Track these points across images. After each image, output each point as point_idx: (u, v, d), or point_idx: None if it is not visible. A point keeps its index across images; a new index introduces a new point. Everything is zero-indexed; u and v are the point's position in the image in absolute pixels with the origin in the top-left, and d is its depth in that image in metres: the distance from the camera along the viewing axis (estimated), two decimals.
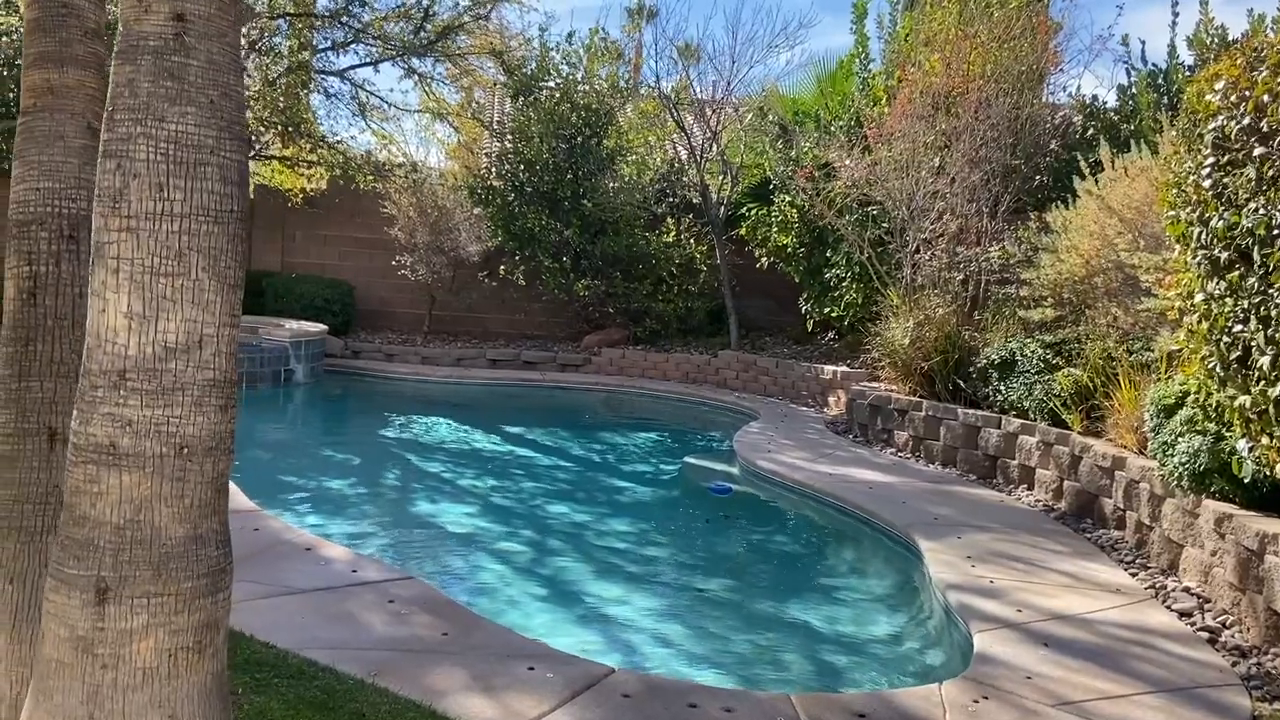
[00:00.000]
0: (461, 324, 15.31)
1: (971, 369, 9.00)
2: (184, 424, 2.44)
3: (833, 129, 12.48)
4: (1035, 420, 7.95)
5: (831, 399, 12.20)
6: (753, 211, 13.86)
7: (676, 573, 6.50)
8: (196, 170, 2.41)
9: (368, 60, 15.11)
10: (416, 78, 15.24)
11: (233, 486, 6.52)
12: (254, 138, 14.34)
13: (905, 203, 10.46)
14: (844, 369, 12.19)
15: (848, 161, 11.23)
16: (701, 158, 14.41)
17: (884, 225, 11.04)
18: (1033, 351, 8.22)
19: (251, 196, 16.05)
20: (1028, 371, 8.15)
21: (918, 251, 10.40)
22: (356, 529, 6.77)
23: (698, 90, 14.88)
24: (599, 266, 14.41)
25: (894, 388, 10.20)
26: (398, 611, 4.58)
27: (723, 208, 14.47)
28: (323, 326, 12.93)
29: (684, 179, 15.04)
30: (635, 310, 14.75)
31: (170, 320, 2.41)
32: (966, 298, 10.12)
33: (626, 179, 14.72)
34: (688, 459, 9.83)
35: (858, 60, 13.26)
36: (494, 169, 14.43)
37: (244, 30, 13.44)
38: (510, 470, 9.03)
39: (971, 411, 8.72)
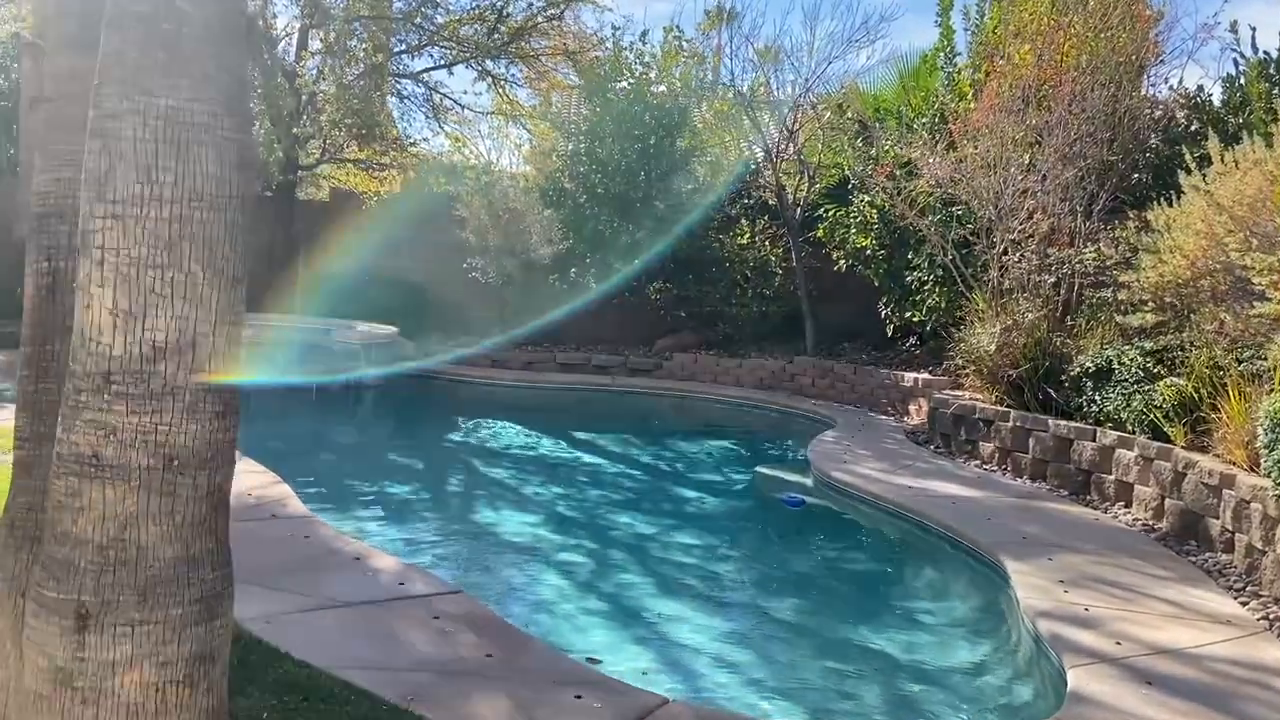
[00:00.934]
0: (532, 327, 15.11)
1: (1063, 377, 8.44)
2: (174, 432, 2.20)
3: (915, 126, 11.96)
4: (1134, 433, 7.38)
5: (912, 407, 11.67)
6: (830, 212, 13.39)
7: (744, 591, 6.15)
8: (189, 150, 2.17)
9: (442, 63, 15.09)
10: (490, 79, 15.16)
11: (288, 491, 6.40)
12: (327, 140, 14.43)
13: (992, 202, 9.91)
14: (925, 376, 11.65)
15: (931, 159, 10.71)
16: (777, 157, 13.99)
17: (969, 226, 10.49)
18: (1131, 359, 7.66)
19: (327, 199, 16.20)
20: (1126, 381, 7.59)
21: (1005, 253, 9.84)
22: (413, 536, 6.57)
23: (775, 89, 14.49)
24: (671, 270, 14.09)
25: (979, 396, 9.65)
26: (442, 629, 4.33)
27: (799, 209, 14.03)
28: (393, 328, 12.88)
29: (759, 179, 14.64)
30: (708, 314, 14.39)
31: (159, 317, 2.17)
32: (1058, 302, 9.53)
33: (701, 180, 14.38)
34: (759, 469, 9.45)
35: (942, 54, 12.71)
36: (566, 170, 14.23)
37: (320, 33, 13.55)
38: (575, 477, 8.78)
39: (1063, 423, 8.16)
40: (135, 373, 2.17)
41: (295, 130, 13.24)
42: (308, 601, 4.54)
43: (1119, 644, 4.64)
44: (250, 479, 6.66)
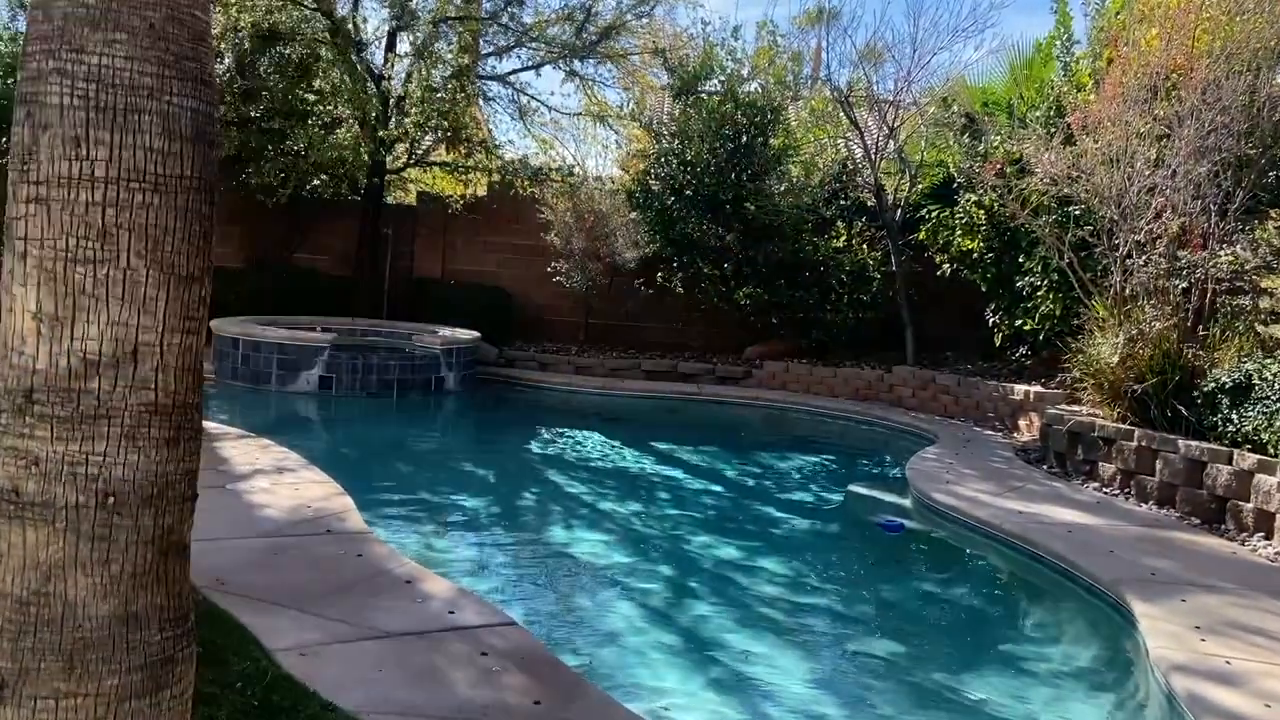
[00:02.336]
0: (617, 333, 14.76)
1: (1195, 393, 7.62)
2: (110, 464, 1.80)
3: (1028, 119, 11.14)
4: (1276, 456, 6.55)
5: (1022, 423, 10.86)
6: (933, 213, 12.64)
7: (833, 626, 5.58)
8: (128, 119, 1.76)
9: (529, 64, 14.85)
10: (578, 80, 14.85)
11: (349, 504, 6.10)
12: (413, 143, 14.31)
13: (1115, 200, 9.07)
14: (1037, 389, 10.83)
15: (1046, 155, 9.90)
16: (877, 156, 13.28)
17: (1088, 226, 9.65)
18: (1275, 374, 6.83)
19: (414, 203, 16.14)
20: (1268, 398, 6.78)
21: (1129, 256, 8.99)
22: (475, 556, 6.20)
23: (875, 84, 13.78)
24: (762, 274, 13.51)
25: (1098, 412, 8.84)
26: (489, 668, 3.91)
27: (899, 210, 13.29)
28: (475, 334, 12.65)
29: (857, 179, 13.94)
30: (800, 321, 13.76)
31: (92, 323, 1.76)
32: (1189, 310, 8.65)
33: (794, 180, 13.77)
34: (853, 487, 8.83)
35: (1059, 42, 11.84)
36: (653, 171, 13.80)
37: (408, 35, 13.42)
38: (655, 493, 8.31)
39: (1195, 443, 7.34)
40: (63, 390, 1.78)
41: (382, 133, 13.13)
42: (347, 630, 4.18)
43: (1269, 706, 4.01)
44: (312, 490, 6.39)
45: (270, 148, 13.35)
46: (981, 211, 11.69)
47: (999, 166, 10.80)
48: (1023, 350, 12.33)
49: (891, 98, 13.32)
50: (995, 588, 6.58)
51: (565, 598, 5.63)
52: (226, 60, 13.75)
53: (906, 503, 8.22)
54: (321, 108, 13.78)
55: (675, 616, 5.46)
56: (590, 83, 15.25)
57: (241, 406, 10.80)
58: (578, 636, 5.04)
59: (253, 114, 13.26)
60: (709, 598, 5.82)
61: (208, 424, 8.43)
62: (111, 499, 1.80)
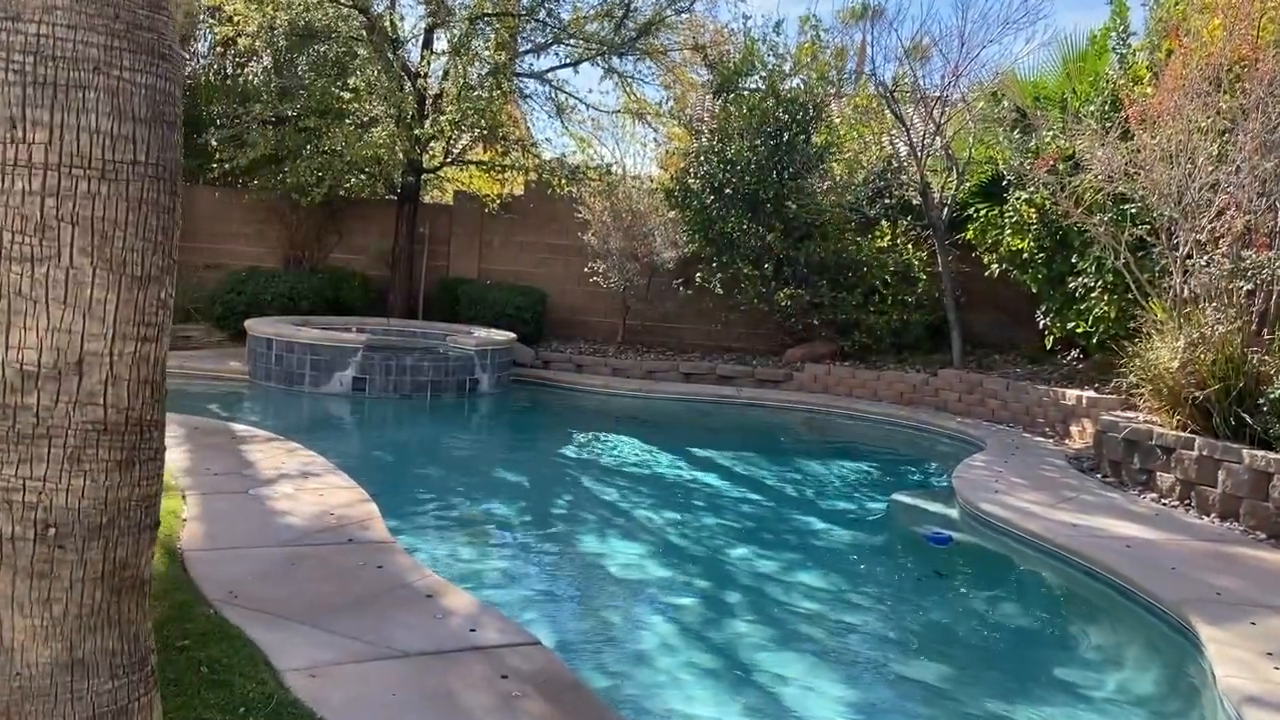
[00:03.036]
0: (655, 334, 14.51)
1: (1261, 400, 7.23)
2: (52, 490, 1.58)
3: (1082, 114, 10.71)
4: None
5: (1074, 429, 10.44)
6: (981, 212, 12.24)
7: (876, 647, 5.27)
8: (70, 97, 1.55)
9: (567, 61, 14.64)
10: (616, 77, 14.62)
11: (373, 511, 5.92)
12: (450, 142, 14.17)
13: (1174, 198, 8.64)
14: (1090, 394, 10.40)
15: (1101, 151, 9.48)
16: (923, 153, 12.89)
17: (1145, 225, 9.23)
18: None
19: (450, 202, 16.02)
20: None
21: (1190, 256, 8.56)
22: (504, 566, 5.98)
23: (921, 80, 13.39)
24: (803, 274, 13.20)
25: (1156, 419, 8.42)
26: (508, 693, 3.67)
27: (946, 208, 12.89)
28: (511, 335, 12.47)
29: (902, 177, 13.55)
30: (843, 322, 13.42)
31: (30, 330, 1.55)
32: (1254, 313, 8.21)
33: (836, 178, 13.42)
34: (897, 496, 8.49)
35: (1114, 33, 11.39)
36: (692, 170, 13.53)
37: (445, 33, 13.28)
38: (692, 501, 8.04)
39: (1261, 453, 6.93)
40: None
41: (418, 132, 13.00)
42: (362, 649, 3.97)
43: None
44: (337, 496, 6.22)
45: (308, 146, 13.29)
46: (1032, 210, 11.27)
47: (1051, 163, 10.39)
48: (1074, 353, 11.90)
49: (938, 93, 12.92)
50: (1048, 607, 6.23)
51: (595, 613, 5.38)
52: (264, 59, 13.73)
53: (953, 513, 7.88)
54: (357, 105, 13.69)
55: (709, 635, 5.20)
56: (629, 80, 15.02)
57: (274, 408, 10.71)
58: (606, 656, 4.80)
59: (290, 112, 13.20)
60: (745, 614, 5.54)
61: (236, 426, 8.32)
62: (53, 530, 1.58)
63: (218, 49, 15.39)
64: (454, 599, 4.64)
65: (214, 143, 13.21)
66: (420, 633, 4.18)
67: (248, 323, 11.57)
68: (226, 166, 13.03)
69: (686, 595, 5.75)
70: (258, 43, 12.74)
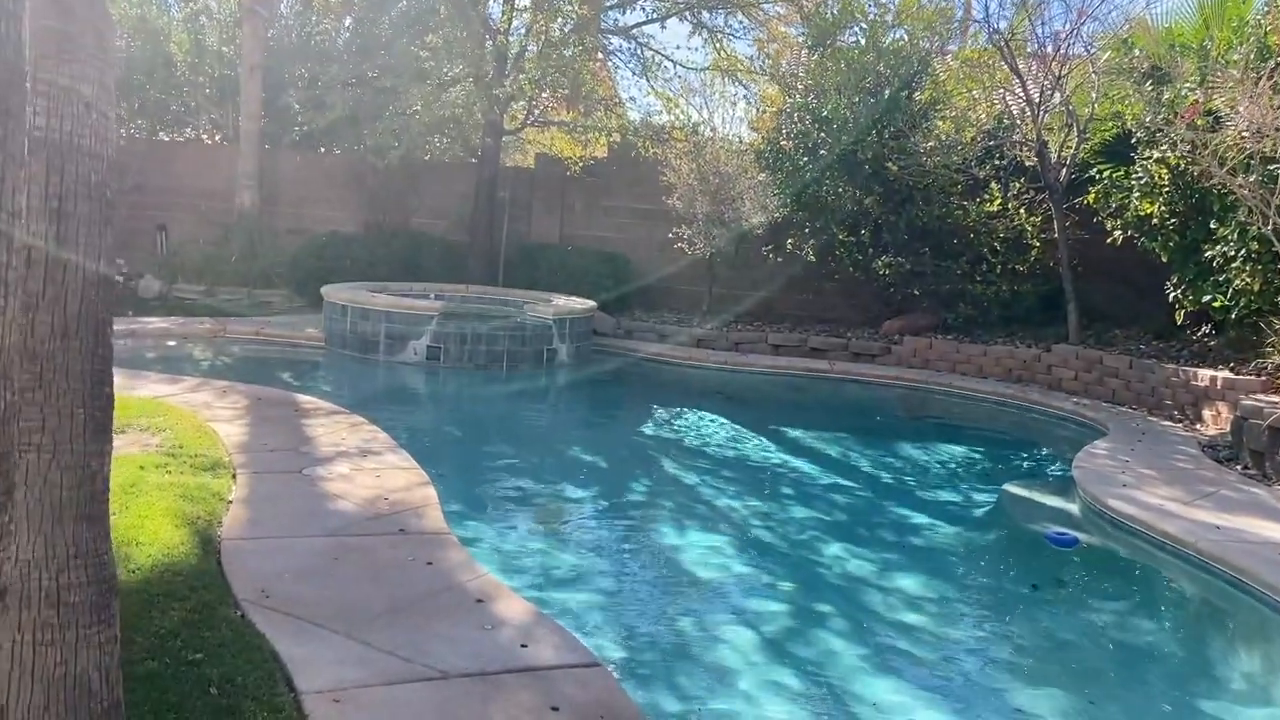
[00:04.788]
0: (742, 304, 13.78)
1: None
2: None
3: (1224, 64, 9.54)
4: None
5: (1206, 413, 9.42)
6: (1104, 173, 11.14)
7: (985, 668, 4.59)
8: None
9: (654, 16, 13.91)
10: (705, 33, 13.83)
11: (431, 496, 5.46)
12: (531, 102, 13.62)
13: None
14: (1226, 375, 9.35)
15: (1244, 105, 8.37)
16: (1040, 109, 11.81)
17: None
18: None
19: (531, 165, 15.52)
20: None
21: None
22: (567, 561, 5.45)
23: (1039, 29, 12.26)
24: (904, 241, 12.29)
25: None
26: None
27: (1064, 170, 11.80)
28: (591, 303, 11.93)
29: (1015, 136, 12.48)
30: (946, 293, 12.48)
31: None
32: None
33: (942, 137, 12.42)
34: (1008, 487, 7.69)
35: None
36: (784, 129, 12.70)
37: None
38: (779, 488, 7.40)
39: None
40: None
41: (497, 91, 12.47)
42: (396, 668, 3.48)
43: None
44: (394, 478, 5.77)
45: (388, 108, 12.92)
46: (1164, 170, 10.16)
47: (1191, 117, 9.28)
48: (1207, 329, 10.79)
49: (1059, 43, 11.79)
50: (1192, 626, 5.42)
51: (667, 620, 4.81)
52: (347, 20, 13.37)
53: (1073, 508, 7.07)
54: (435, 65, 13.23)
55: (796, 651, 4.58)
56: (718, 35, 14.22)
57: (346, 377, 10.42)
58: (678, 674, 4.23)
59: (369, 73, 12.83)
60: (837, 626, 4.90)
61: (301, 397, 7.98)
62: None
63: (298, 9, 15.12)
64: (506, 605, 4.12)
65: (295, 105, 12.94)
66: (464, 648, 3.67)
67: (324, 289, 11.30)
68: (306, 129, 12.75)
69: (771, 600, 5.14)
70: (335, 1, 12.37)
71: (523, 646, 3.73)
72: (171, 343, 10.80)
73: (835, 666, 4.44)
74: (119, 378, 8.23)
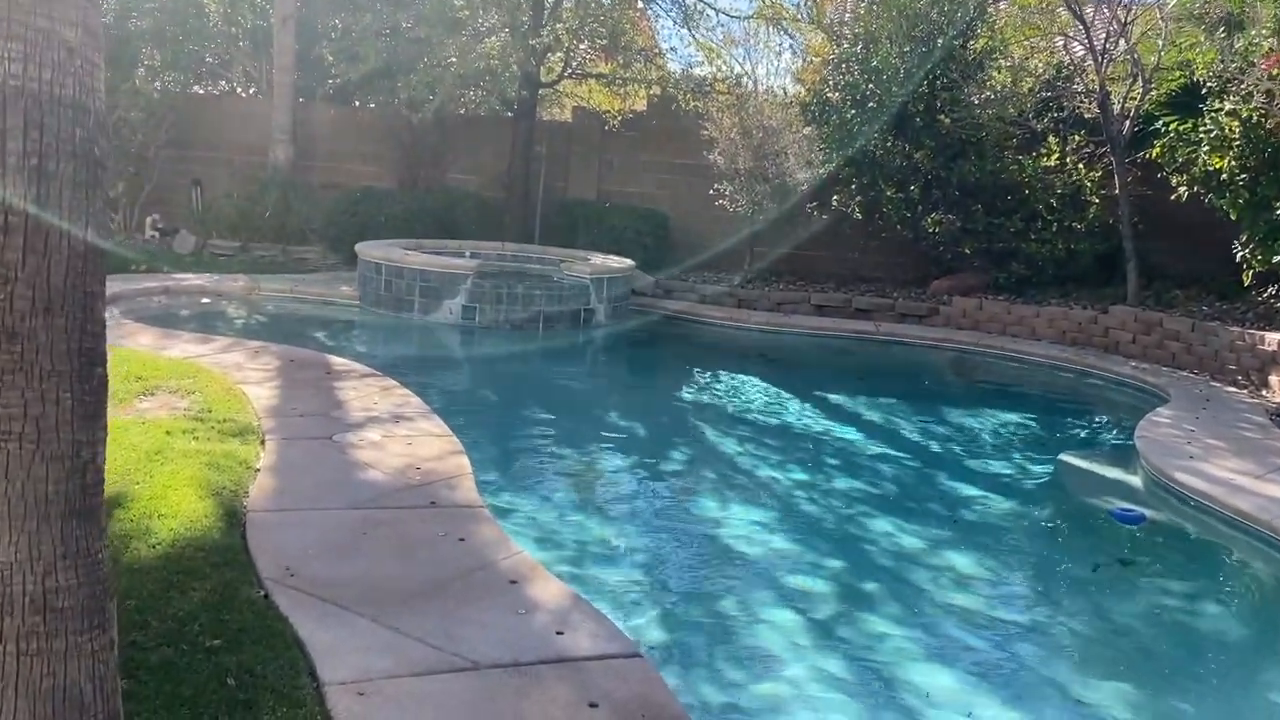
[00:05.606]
0: (786, 263, 13.38)
1: None
2: None
3: None
4: None
5: (1275, 379, 8.99)
6: (1170, 126, 10.57)
7: (1045, 657, 4.32)
8: None
9: None
10: None
11: (464, 466, 5.26)
12: (569, 53, 13.21)
13: None
14: None
15: None
16: (1103, 58, 11.22)
17: None
18: None
19: (569, 119, 15.14)
20: None
21: None
22: (605, 536, 5.23)
23: None
24: (955, 197, 11.82)
25: None
26: None
27: (1127, 122, 11.24)
28: (629, 262, 11.62)
29: (1076, 86, 11.90)
30: (999, 251, 12.01)
31: None
32: None
33: (999, 88, 11.87)
34: (1065, 457, 7.35)
35: None
36: (831, 80, 12.21)
37: None
38: (823, 457, 7.12)
39: None
40: None
41: (533, 41, 12.08)
42: (425, 657, 3.28)
43: None
44: (426, 445, 5.57)
45: (423, 60, 12.60)
46: (1235, 123, 9.59)
47: (1268, 68, 8.72)
48: (1274, 290, 10.28)
49: None
50: (1267, 609, 5.10)
51: (708, 600, 4.58)
52: None
53: (1135, 480, 6.74)
54: (469, 14, 12.84)
55: (844, 635, 4.34)
56: None
57: (381, 336, 10.25)
58: (721, 661, 4.00)
59: (403, 23, 12.50)
60: (885, 608, 4.65)
61: (334, 359, 7.80)
62: None
63: None
64: (541, 587, 3.90)
65: (328, 57, 12.66)
66: (497, 635, 3.46)
67: (358, 246, 11.10)
68: (340, 82, 12.48)
69: (817, 580, 4.89)
70: None
71: (558, 634, 3.52)
72: (205, 300, 10.69)
73: (884, 652, 4.20)
74: (151, 337, 8.15)
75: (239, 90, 16.21)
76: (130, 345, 7.58)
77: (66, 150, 2.01)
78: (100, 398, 2.10)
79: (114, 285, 10.22)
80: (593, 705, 3.08)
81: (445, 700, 3.04)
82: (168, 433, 5.29)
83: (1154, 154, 10.87)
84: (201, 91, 16.01)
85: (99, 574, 2.05)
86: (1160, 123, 10.81)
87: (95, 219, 2.07)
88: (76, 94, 2.02)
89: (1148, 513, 5.95)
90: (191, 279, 11.15)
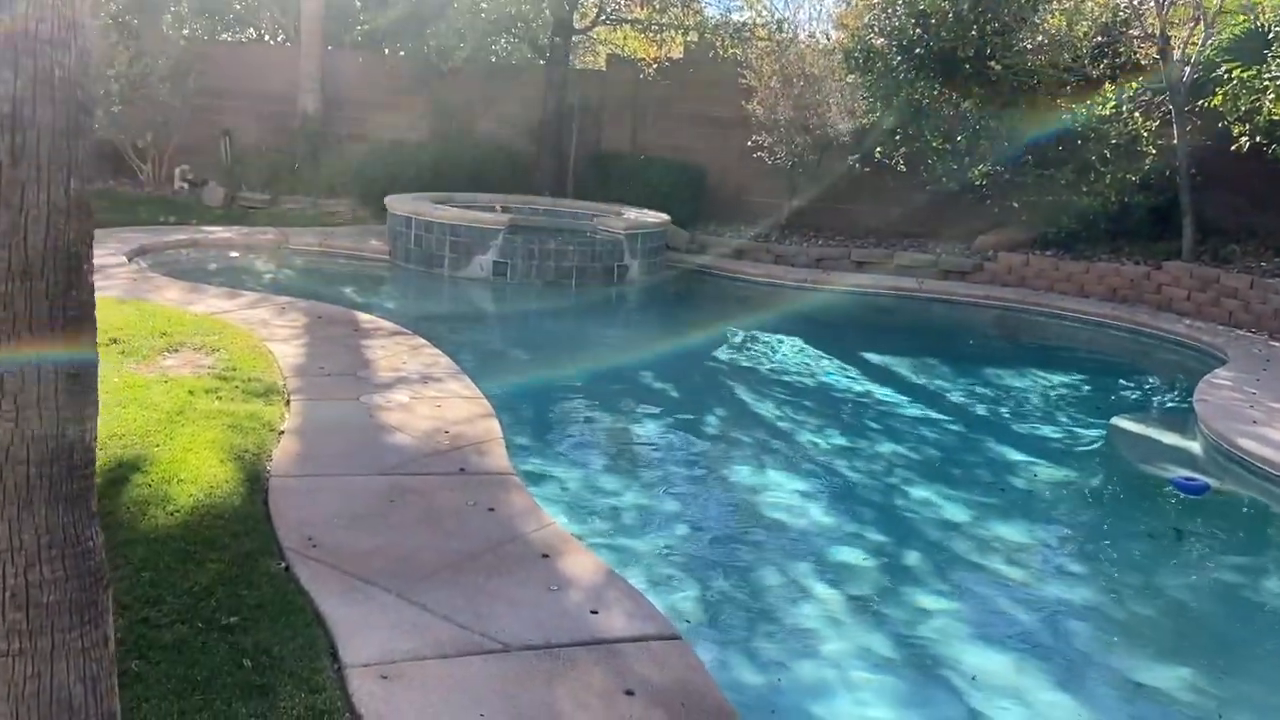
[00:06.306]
0: (825, 218, 12.98)
1: None
2: None
3: None
4: None
5: None
6: (1234, 73, 10.03)
7: (1105, 638, 4.09)
8: None
9: None
10: None
11: (494, 429, 5.07)
12: None
13: None
14: None
15: None
16: (1163, 1, 10.66)
17: None
18: None
19: (602, 67, 14.75)
20: None
21: None
22: (639, 504, 5.03)
23: None
24: (1004, 148, 11.35)
25: None
26: None
27: (1188, 68, 10.70)
28: (663, 217, 11.31)
29: (1134, 30, 11.33)
30: (1048, 205, 11.56)
31: None
32: None
33: (1052, 33, 11.33)
34: (1118, 421, 7.04)
35: None
36: (876, 25, 11.71)
37: None
38: (864, 421, 6.86)
39: None
40: None
41: None
42: (453, 637, 3.11)
43: None
44: (456, 408, 5.39)
45: (453, 4, 12.26)
46: None
47: None
48: None
49: None
50: None
51: (745, 574, 4.38)
52: None
53: (1194, 446, 6.43)
54: None
55: (886, 612, 4.13)
56: None
57: (410, 292, 10.07)
58: (758, 639, 3.82)
59: None
60: (930, 583, 4.43)
61: (362, 316, 7.63)
62: None
63: None
64: (574, 561, 3.72)
65: (356, 1, 12.34)
66: (528, 613, 3.28)
67: (387, 200, 10.89)
68: (368, 28, 12.17)
69: (858, 552, 4.67)
70: None
71: (593, 613, 3.33)
72: (234, 254, 10.55)
73: (928, 630, 3.99)
74: (178, 291, 8.01)
75: (266, 38, 15.95)
76: (157, 300, 7.45)
77: (45, 95, 1.78)
78: (90, 371, 1.90)
79: (142, 238, 10.11)
80: (629, 693, 2.90)
81: (472, 686, 2.87)
82: (190, 392, 5.14)
83: (1215, 102, 10.34)
84: (229, 39, 15.76)
85: (90, 564, 1.87)
86: (1222, 69, 10.27)
87: (78, 171, 1.85)
88: (56, 29, 1.79)
89: (1212, 482, 5.65)
90: (220, 232, 11.01)
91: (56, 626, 1.80)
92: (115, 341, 5.95)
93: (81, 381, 1.86)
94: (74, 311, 1.85)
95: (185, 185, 13.64)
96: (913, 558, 4.70)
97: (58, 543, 1.81)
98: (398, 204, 10.66)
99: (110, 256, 8.92)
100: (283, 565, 3.49)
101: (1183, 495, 5.52)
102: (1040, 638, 4.05)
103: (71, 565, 1.83)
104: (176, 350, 6.03)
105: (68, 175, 1.82)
